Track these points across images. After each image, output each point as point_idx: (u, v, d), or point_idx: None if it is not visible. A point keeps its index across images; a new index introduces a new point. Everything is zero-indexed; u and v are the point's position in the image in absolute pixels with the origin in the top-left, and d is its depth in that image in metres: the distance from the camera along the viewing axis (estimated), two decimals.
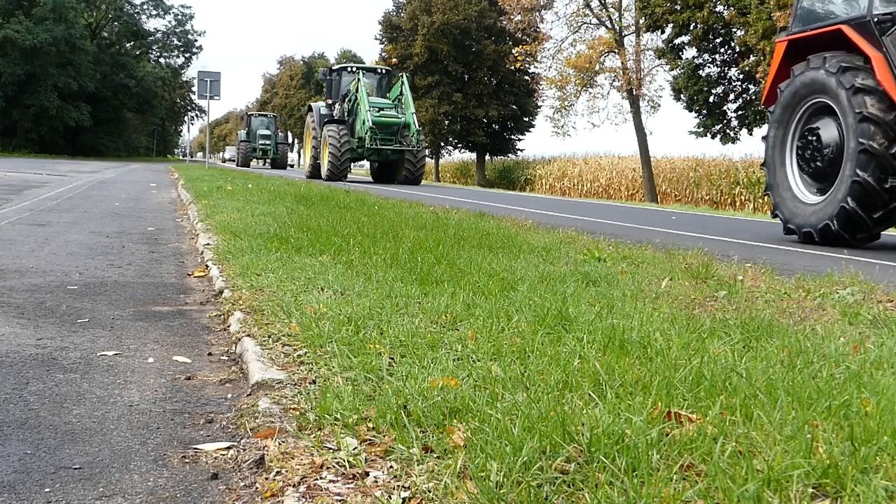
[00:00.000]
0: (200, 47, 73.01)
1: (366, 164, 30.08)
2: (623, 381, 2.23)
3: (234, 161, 63.11)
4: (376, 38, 48.46)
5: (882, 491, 1.55)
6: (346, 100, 25.69)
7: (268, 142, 49.66)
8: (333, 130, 23.78)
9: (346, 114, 25.52)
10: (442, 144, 47.12)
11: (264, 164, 51.56)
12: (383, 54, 46.72)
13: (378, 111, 23.65)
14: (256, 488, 1.82)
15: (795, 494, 1.54)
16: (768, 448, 1.73)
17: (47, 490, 1.82)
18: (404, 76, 25.37)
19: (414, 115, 24.06)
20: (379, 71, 27.31)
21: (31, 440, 2.11)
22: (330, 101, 26.32)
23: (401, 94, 24.72)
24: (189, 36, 68.60)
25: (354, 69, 26.56)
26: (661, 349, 2.62)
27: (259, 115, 54.71)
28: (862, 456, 1.68)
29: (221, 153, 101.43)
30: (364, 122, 23.43)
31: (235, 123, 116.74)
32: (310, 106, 28.14)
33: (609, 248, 5.82)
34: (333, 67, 27.74)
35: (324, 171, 24.37)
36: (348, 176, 25.46)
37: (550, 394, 2.11)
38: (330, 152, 23.42)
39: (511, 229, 7.14)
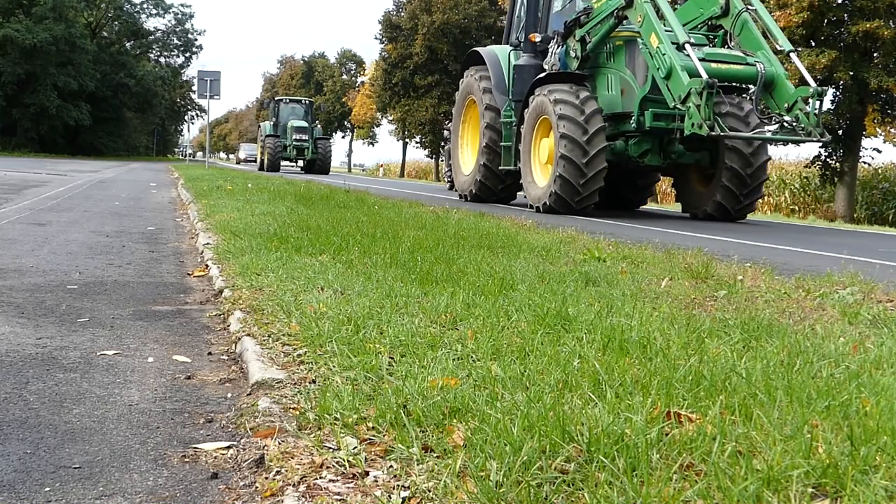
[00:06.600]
0: (200, 46, 72.95)
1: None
2: (623, 380, 2.23)
3: (252, 161, 50.50)
4: (376, 38, 48.40)
5: (882, 491, 1.55)
6: (575, 29, 11.69)
7: (304, 137, 35.89)
8: (566, 96, 10.91)
9: (571, 59, 11.86)
10: (442, 144, 47.11)
11: (297, 166, 38.24)
12: (384, 54, 46.70)
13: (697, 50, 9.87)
14: (256, 488, 1.82)
15: (795, 494, 1.54)
16: (768, 448, 1.73)
17: (47, 489, 1.82)
18: None
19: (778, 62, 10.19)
20: None
21: (31, 439, 2.11)
22: (538, 39, 12.62)
23: (735, 17, 10.32)
24: (189, 35, 68.57)
25: None
26: (661, 349, 2.62)
27: (291, 100, 40.11)
28: (862, 456, 1.68)
29: (235, 152, 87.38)
30: (675, 74, 9.65)
31: (235, 123, 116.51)
32: (474, 52, 14.28)
33: (609, 248, 5.82)
34: None
35: (536, 188, 11.61)
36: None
37: (550, 393, 2.11)
38: (564, 152, 10.59)
39: (511, 229, 7.14)
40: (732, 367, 2.39)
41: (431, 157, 50.12)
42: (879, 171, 24.72)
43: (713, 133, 9.36)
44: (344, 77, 78.55)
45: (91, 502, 1.77)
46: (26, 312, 3.66)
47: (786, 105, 9.77)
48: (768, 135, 10.02)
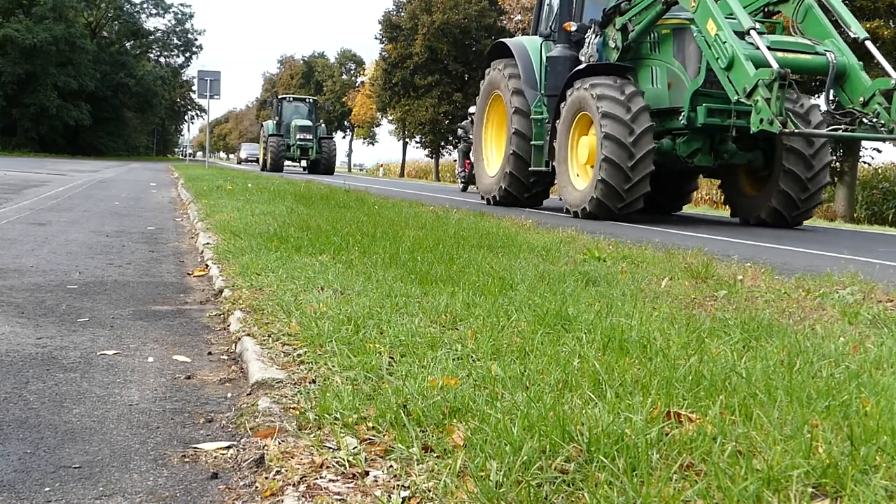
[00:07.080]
0: (200, 46, 72.77)
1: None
2: (623, 380, 2.23)
3: (254, 161, 50.99)
4: (376, 38, 48.39)
5: (882, 491, 1.55)
6: (615, 17, 10.74)
7: (308, 136, 35.15)
8: (610, 91, 9.91)
9: (610, 49, 10.87)
10: (442, 144, 47.13)
11: (300, 166, 37.63)
12: (384, 53, 46.71)
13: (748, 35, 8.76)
14: (256, 487, 1.82)
15: (795, 494, 1.54)
16: (768, 448, 1.73)
17: (47, 489, 1.82)
18: None
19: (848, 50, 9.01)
20: None
21: (31, 439, 2.11)
22: (574, 28, 11.56)
23: (797, 2, 9.25)
24: (189, 35, 68.55)
25: None
26: (661, 349, 2.62)
27: (295, 99, 39.80)
28: (862, 456, 1.68)
29: (235, 152, 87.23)
30: (738, 63, 8.55)
31: (235, 122, 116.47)
32: (500, 44, 13.23)
33: (609, 248, 5.82)
34: None
35: (574, 191, 10.84)
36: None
37: (550, 393, 2.11)
38: (607, 154, 9.73)
39: (511, 229, 7.14)
40: (732, 367, 2.39)
41: (431, 157, 50.12)
42: (879, 170, 24.73)
43: (785, 130, 8.21)
44: (344, 77, 78.56)
45: (91, 502, 1.77)
46: (26, 312, 3.66)
47: (861, 99, 8.58)
48: (846, 133, 8.90)
